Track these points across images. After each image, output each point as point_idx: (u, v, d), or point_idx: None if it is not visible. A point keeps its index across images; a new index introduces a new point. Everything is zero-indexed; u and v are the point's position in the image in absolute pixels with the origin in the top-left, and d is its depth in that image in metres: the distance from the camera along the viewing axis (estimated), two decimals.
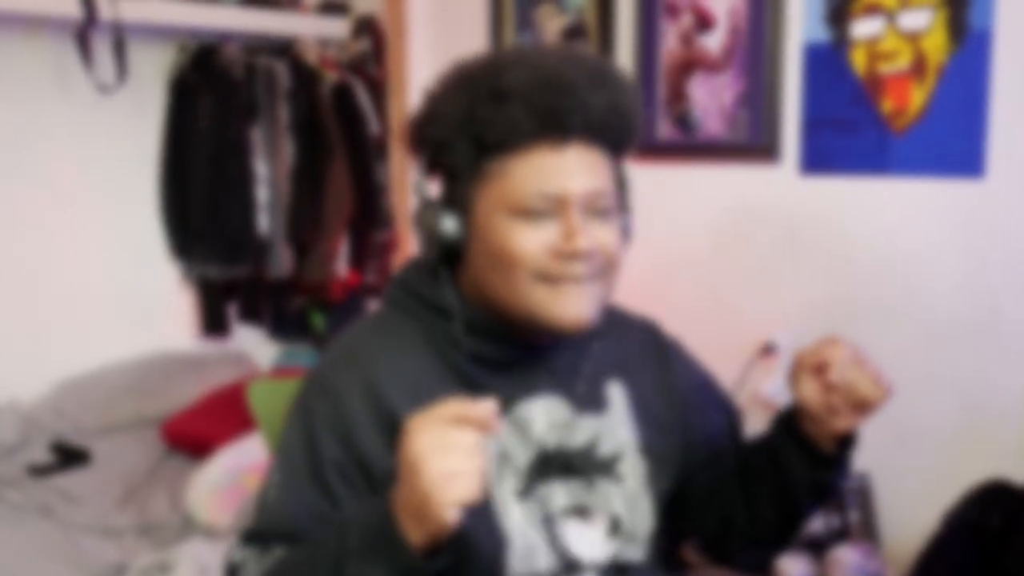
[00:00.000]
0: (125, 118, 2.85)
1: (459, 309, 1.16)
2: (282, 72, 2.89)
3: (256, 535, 1.10)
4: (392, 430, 1.04)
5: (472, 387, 1.15)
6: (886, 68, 2.22)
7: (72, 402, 2.69)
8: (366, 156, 3.04)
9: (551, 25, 2.77)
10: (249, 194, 2.85)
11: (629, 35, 2.62)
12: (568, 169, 1.09)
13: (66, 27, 2.52)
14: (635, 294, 1.29)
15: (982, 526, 1.97)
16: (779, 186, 2.42)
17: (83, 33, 2.48)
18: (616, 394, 1.25)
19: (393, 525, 0.92)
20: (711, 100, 2.50)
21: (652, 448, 1.25)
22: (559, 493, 1.18)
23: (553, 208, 1.09)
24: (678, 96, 2.54)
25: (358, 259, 3.12)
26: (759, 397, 2.34)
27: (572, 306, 1.10)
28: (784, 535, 1.31)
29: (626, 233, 1.19)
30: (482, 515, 1.12)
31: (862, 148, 2.27)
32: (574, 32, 2.72)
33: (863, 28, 2.24)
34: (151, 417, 2.76)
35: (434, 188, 1.17)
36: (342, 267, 3.06)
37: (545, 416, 1.19)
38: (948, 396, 2.21)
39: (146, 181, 2.94)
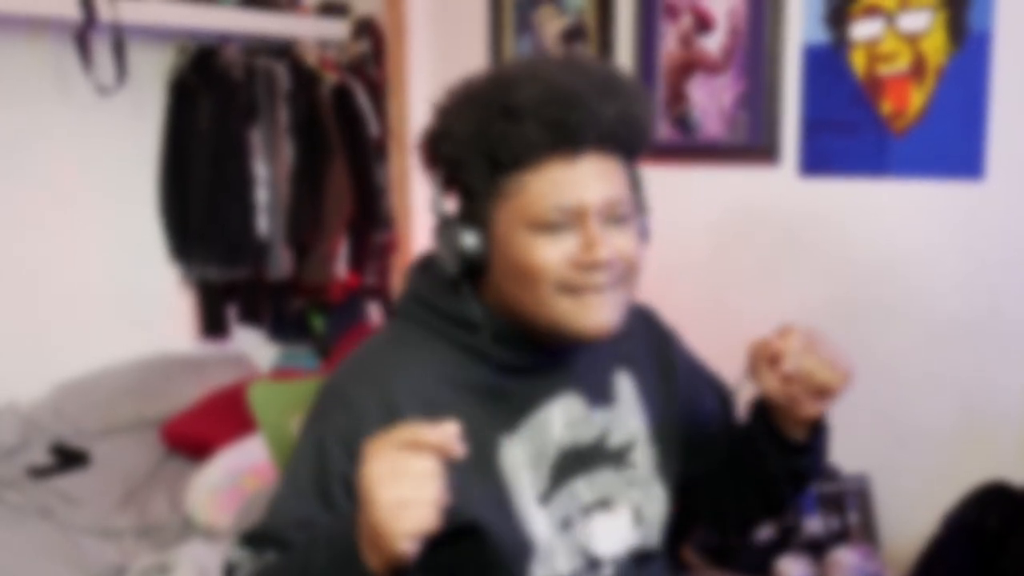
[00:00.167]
0: (125, 119, 2.85)
1: (485, 321, 1.16)
2: (282, 73, 2.90)
3: (252, 538, 1.10)
4: None
5: (494, 397, 1.16)
6: (885, 69, 2.22)
7: (72, 403, 2.69)
8: (366, 157, 3.04)
9: (551, 27, 2.77)
10: (249, 195, 2.85)
11: (629, 36, 2.63)
12: (583, 180, 1.09)
13: (66, 29, 2.52)
14: (635, 295, 1.29)
15: (981, 527, 1.97)
16: (779, 187, 2.42)
17: (83, 35, 2.48)
18: (624, 385, 1.27)
19: (355, 549, 0.92)
20: (711, 101, 2.50)
21: (661, 434, 1.28)
22: (582, 489, 1.20)
23: (571, 220, 1.09)
24: (678, 97, 2.54)
25: (358, 261, 3.12)
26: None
27: (596, 315, 1.11)
28: (769, 514, 1.35)
29: (644, 234, 1.20)
30: (507, 524, 1.13)
31: (862, 149, 2.27)
32: (574, 34, 2.73)
33: (862, 29, 2.24)
34: (151, 419, 2.76)
35: (451, 204, 1.18)
36: (342, 269, 3.06)
37: (563, 416, 1.20)
38: (947, 397, 2.21)
39: (146, 182, 2.94)
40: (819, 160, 2.35)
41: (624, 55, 2.63)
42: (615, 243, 1.11)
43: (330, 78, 2.98)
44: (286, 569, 1.02)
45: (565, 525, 1.17)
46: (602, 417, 1.23)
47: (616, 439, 1.24)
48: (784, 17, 2.36)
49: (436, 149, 1.16)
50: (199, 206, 2.86)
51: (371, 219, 3.07)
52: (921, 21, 2.16)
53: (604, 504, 1.21)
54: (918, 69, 2.18)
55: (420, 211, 3.18)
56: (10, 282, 2.68)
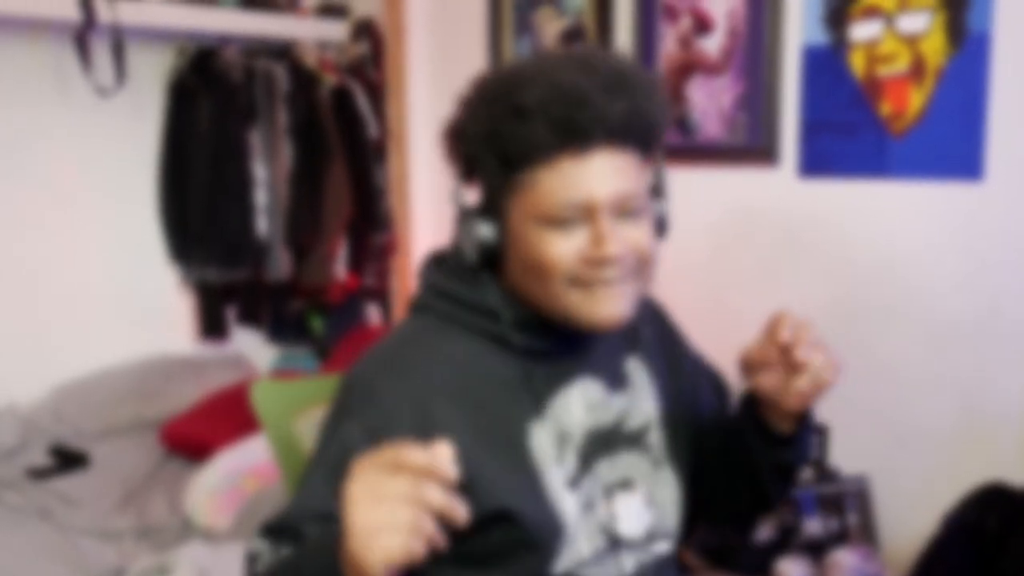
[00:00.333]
0: (124, 121, 2.85)
1: (506, 308, 1.18)
2: (281, 75, 2.90)
3: (271, 529, 1.11)
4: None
5: (519, 384, 1.18)
6: (885, 71, 2.23)
7: (71, 405, 2.69)
8: (365, 159, 3.04)
9: (550, 28, 2.77)
10: (248, 197, 2.85)
11: (628, 38, 2.63)
12: (593, 176, 1.10)
13: (65, 30, 2.52)
14: (650, 286, 1.30)
15: (980, 528, 1.97)
16: (778, 188, 2.42)
17: (82, 36, 2.48)
18: (636, 370, 1.29)
19: (338, 564, 0.92)
20: (710, 103, 2.50)
21: (671, 420, 1.30)
22: (605, 471, 1.22)
23: (581, 215, 1.11)
24: (677, 99, 2.54)
25: (357, 262, 3.12)
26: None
27: (606, 307, 1.13)
28: (757, 509, 1.36)
29: (662, 223, 1.22)
30: (539, 509, 1.14)
31: (861, 151, 2.28)
32: (573, 35, 2.73)
33: (862, 31, 2.24)
34: (150, 420, 2.76)
35: (471, 196, 1.19)
36: (341, 270, 3.06)
37: (582, 399, 1.22)
38: (947, 398, 2.21)
39: (145, 184, 2.94)
40: (818, 161, 2.35)
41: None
42: (627, 236, 1.12)
43: (329, 79, 2.98)
44: (281, 571, 1.04)
45: (588, 507, 1.19)
46: (619, 401, 1.25)
47: (633, 422, 1.26)
48: (783, 18, 2.36)
49: (455, 144, 1.19)
50: (198, 207, 2.86)
51: (370, 220, 3.07)
52: (920, 22, 2.17)
53: (625, 485, 1.23)
54: (917, 70, 2.18)
55: (419, 212, 3.18)
56: (10, 283, 2.68)
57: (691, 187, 2.56)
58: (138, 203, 2.94)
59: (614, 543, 1.21)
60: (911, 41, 2.18)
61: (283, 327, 3.18)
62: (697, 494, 1.36)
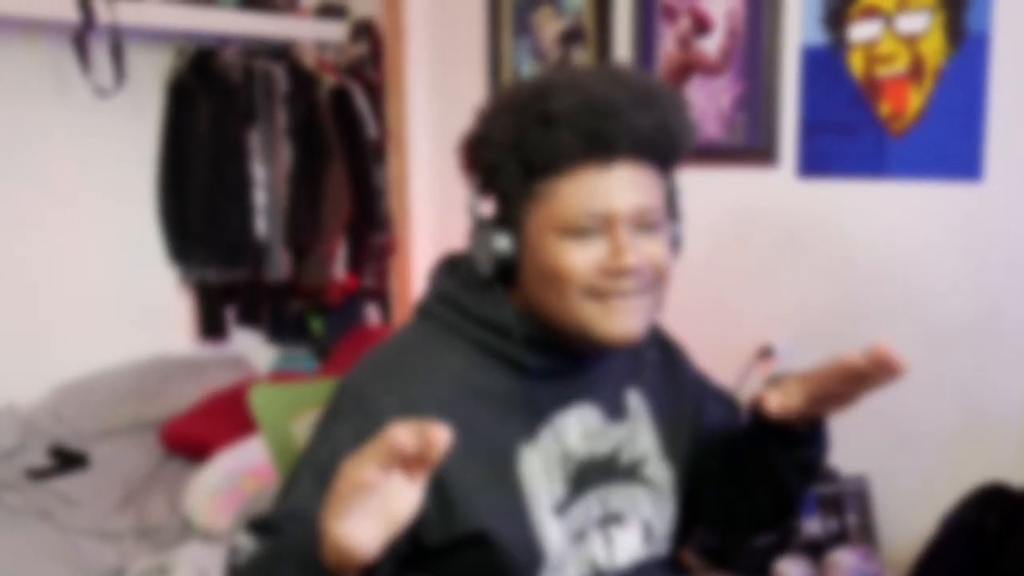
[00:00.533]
0: (124, 121, 2.85)
1: (518, 325, 1.17)
2: (280, 75, 2.89)
3: (258, 525, 1.11)
4: None
5: (514, 404, 1.17)
6: (884, 71, 2.23)
7: (70, 405, 2.69)
8: (364, 159, 3.04)
9: (549, 28, 2.77)
10: (247, 197, 2.85)
11: (627, 38, 2.63)
12: (615, 188, 1.11)
13: (64, 31, 2.52)
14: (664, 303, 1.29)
15: (980, 529, 1.97)
16: (777, 189, 2.42)
17: (81, 37, 2.48)
18: (635, 402, 1.28)
19: (317, 558, 0.90)
20: (709, 103, 2.50)
21: (673, 453, 1.29)
22: (596, 502, 1.20)
23: (601, 226, 1.11)
24: None
25: (356, 262, 3.12)
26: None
27: (621, 321, 1.12)
28: (782, 517, 1.34)
29: (676, 242, 1.23)
30: (521, 533, 1.13)
31: (860, 151, 2.28)
32: (572, 35, 2.73)
33: (861, 31, 2.24)
34: (149, 420, 2.76)
35: (487, 208, 1.19)
36: (340, 270, 3.06)
37: (579, 425, 1.21)
38: (947, 398, 2.21)
39: (145, 184, 2.94)
40: (818, 161, 2.35)
41: (622, 57, 2.63)
42: (645, 250, 1.12)
43: (328, 80, 2.98)
44: (264, 558, 1.02)
45: (578, 537, 1.18)
46: (616, 432, 1.24)
47: (629, 454, 1.25)
48: (782, 19, 2.36)
49: (475, 154, 1.18)
50: (198, 208, 2.86)
51: (369, 221, 3.07)
52: (919, 22, 2.17)
53: (616, 519, 1.21)
54: (916, 70, 2.18)
55: (418, 213, 3.18)
56: (9, 283, 2.68)
57: (690, 187, 2.53)
58: (137, 203, 2.94)
59: (597, 574, 1.19)
60: (910, 41, 2.18)
61: (282, 327, 3.18)
62: (713, 511, 1.35)
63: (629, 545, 1.22)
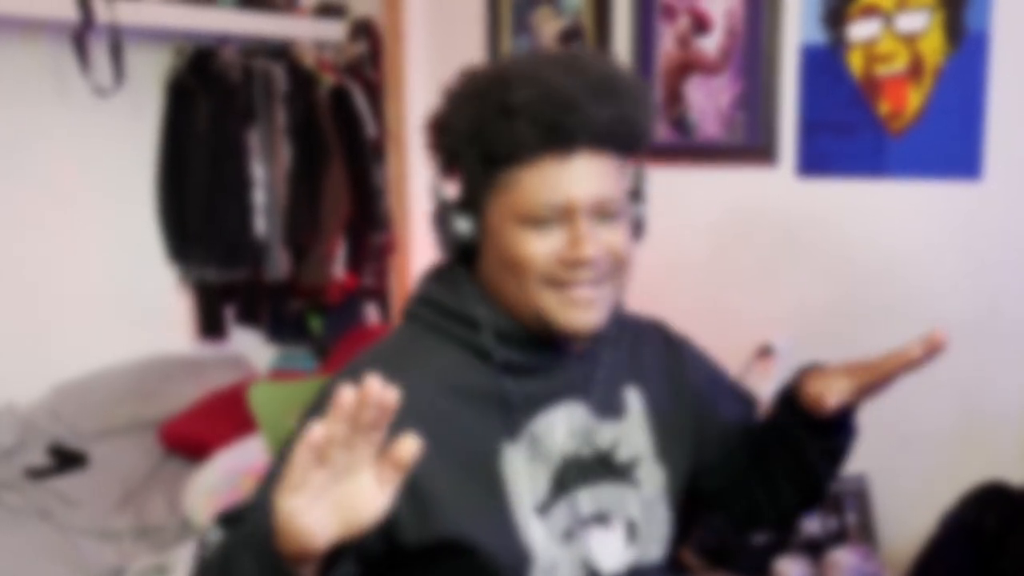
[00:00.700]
0: (123, 121, 2.85)
1: (487, 317, 1.17)
2: (279, 75, 2.89)
3: (228, 519, 1.10)
4: None
5: (497, 402, 1.16)
6: (883, 70, 2.23)
7: (70, 405, 2.68)
8: (363, 159, 3.04)
9: (548, 28, 2.77)
10: (246, 197, 2.85)
11: (626, 37, 2.63)
12: (573, 179, 1.11)
13: (63, 30, 2.51)
14: (633, 296, 1.29)
15: (979, 528, 1.97)
16: (777, 188, 2.42)
17: (80, 36, 2.48)
18: (633, 400, 1.27)
19: (273, 536, 0.89)
20: (708, 102, 2.50)
21: (668, 455, 1.27)
22: (582, 501, 1.19)
23: (560, 216, 1.11)
24: (675, 98, 2.54)
25: (355, 262, 3.12)
26: (757, 399, 2.34)
27: (579, 311, 1.12)
28: (807, 504, 1.35)
29: (639, 225, 1.22)
30: (503, 533, 1.12)
31: (859, 150, 2.28)
32: (571, 34, 2.73)
33: (860, 30, 2.24)
34: (149, 420, 2.76)
35: (450, 189, 1.19)
36: (339, 270, 3.06)
37: (565, 424, 1.20)
38: (946, 398, 2.21)
39: (144, 184, 2.93)
40: (817, 161, 2.35)
41: (621, 56, 2.63)
42: (604, 239, 1.12)
43: (328, 79, 2.98)
44: (226, 551, 1.01)
45: (567, 537, 1.17)
46: (610, 430, 1.23)
47: (623, 454, 1.24)
48: (781, 18, 2.36)
49: (438, 137, 1.18)
50: (197, 207, 2.86)
51: (369, 220, 3.07)
52: (919, 21, 2.17)
53: (601, 519, 1.20)
54: (916, 69, 2.18)
55: (418, 212, 3.18)
56: (8, 282, 2.67)
57: (689, 187, 2.56)
58: (137, 203, 2.93)
59: None
60: (909, 40, 2.18)
61: (282, 327, 3.18)
62: (733, 508, 1.35)
63: (614, 547, 1.20)
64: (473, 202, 1.16)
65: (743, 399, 1.40)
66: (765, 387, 2.33)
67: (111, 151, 2.87)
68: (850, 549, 2.10)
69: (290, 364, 3.23)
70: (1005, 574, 1.90)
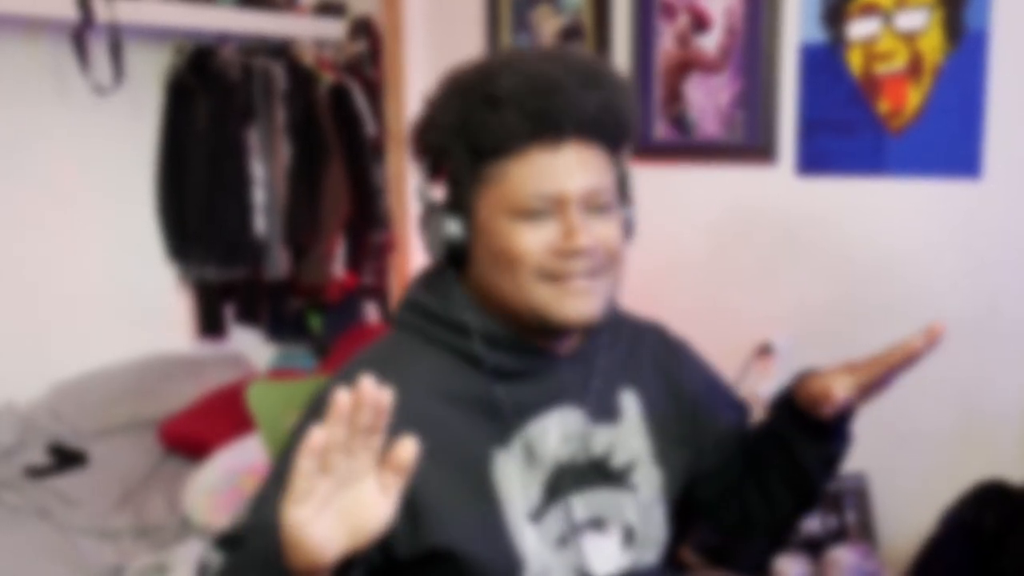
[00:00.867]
0: (122, 120, 2.85)
1: (476, 322, 1.16)
2: (279, 73, 2.89)
3: (226, 540, 1.09)
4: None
5: (488, 408, 1.15)
6: (882, 68, 2.23)
7: (69, 404, 2.68)
8: (363, 157, 3.04)
9: (547, 26, 2.77)
10: (246, 196, 2.85)
11: (625, 36, 2.63)
12: (564, 169, 1.10)
13: (63, 29, 2.51)
14: (632, 295, 1.29)
15: (979, 526, 1.97)
16: (776, 187, 2.42)
17: (80, 35, 2.48)
18: (629, 403, 1.26)
19: (282, 552, 0.89)
20: (707, 101, 2.50)
21: (665, 457, 1.27)
22: (576, 507, 1.18)
23: (552, 208, 1.10)
24: (674, 97, 2.54)
25: (355, 260, 3.12)
26: (756, 398, 2.34)
27: (576, 303, 1.11)
28: (799, 512, 1.34)
29: (628, 226, 1.20)
30: (496, 541, 1.11)
31: (859, 149, 2.28)
32: (571, 33, 2.73)
33: (859, 28, 2.24)
34: (148, 419, 2.76)
35: (438, 192, 1.19)
36: (339, 269, 3.06)
37: (559, 429, 1.19)
38: (946, 397, 2.21)
39: (144, 183, 2.93)
40: (816, 159, 2.35)
41: (621, 54, 2.63)
42: (596, 231, 1.11)
43: (327, 78, 2.98)
44: (232, 565, 1.01)
45: (561, 543, 1.16)
46: (606, 434, 1.22)
47: (619, 459, 1.22)
48: (781, 16, 2.36)
49: (423, 138, 1.18)
50: (196, 206, 2.86)
51: (368, 219, 3.07)
52: (918, 20, 2.16)
53: (596, 524, 1.19)
54: (915, 68, 2.18)
55: (417, 211, 3.17)
56: (8, 282, 2.67)
57: (689, 186, 2.56)
58: (136, 202, 2.93)
59: None
60: (909, 39, 2.18)
61: (281, 326, 3.18)
62: (721, 516, 1.35)
63: (609, 552, 1.19)
64: (461, 202, 1.15)
65: (738, 406, 1.39)
66: (765, 386, 2.33)
67: (111, 150, 2.87)
68: (850, 548, 2.10)
69: (290, 363, 3.23)
70: (1004, 573, 1.90)
